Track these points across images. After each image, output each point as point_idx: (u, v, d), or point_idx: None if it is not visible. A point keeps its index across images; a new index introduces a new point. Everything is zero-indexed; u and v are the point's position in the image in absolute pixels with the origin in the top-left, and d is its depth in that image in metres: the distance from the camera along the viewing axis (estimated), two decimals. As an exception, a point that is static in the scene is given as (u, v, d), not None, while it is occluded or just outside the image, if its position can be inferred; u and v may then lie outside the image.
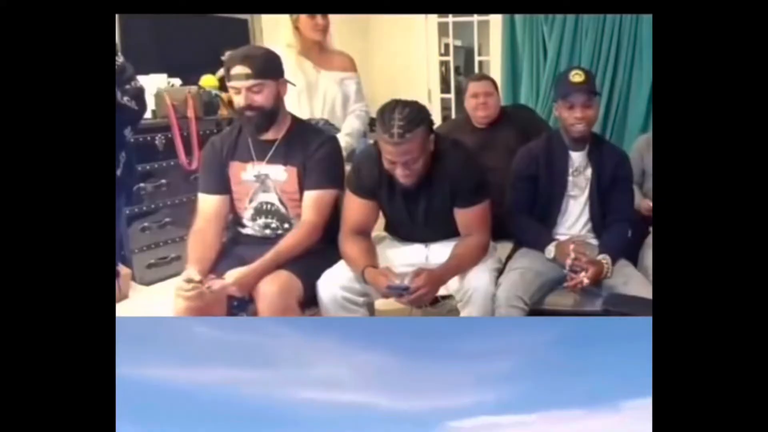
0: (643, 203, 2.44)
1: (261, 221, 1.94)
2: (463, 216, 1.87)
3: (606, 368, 1.09)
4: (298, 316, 1.74)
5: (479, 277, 1.80)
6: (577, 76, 1.95)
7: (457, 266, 1.82)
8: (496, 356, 1.12)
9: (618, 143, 4.23)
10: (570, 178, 2.00)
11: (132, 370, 1.04)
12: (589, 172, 2.01)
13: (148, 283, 3.13)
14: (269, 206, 1.92)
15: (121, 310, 2.72)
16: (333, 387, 1.08)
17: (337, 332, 1.21)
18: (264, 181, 1.90)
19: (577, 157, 2.01)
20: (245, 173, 1.91)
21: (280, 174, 1.89)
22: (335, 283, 1.80)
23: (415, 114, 1.72)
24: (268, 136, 1.89)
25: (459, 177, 1.83)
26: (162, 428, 1.06)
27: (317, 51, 2.53)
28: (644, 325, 1.02)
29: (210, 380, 1.10)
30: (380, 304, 2.14)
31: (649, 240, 2.35)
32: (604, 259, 1.86)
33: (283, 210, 1.92)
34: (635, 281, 1.83)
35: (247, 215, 1.95)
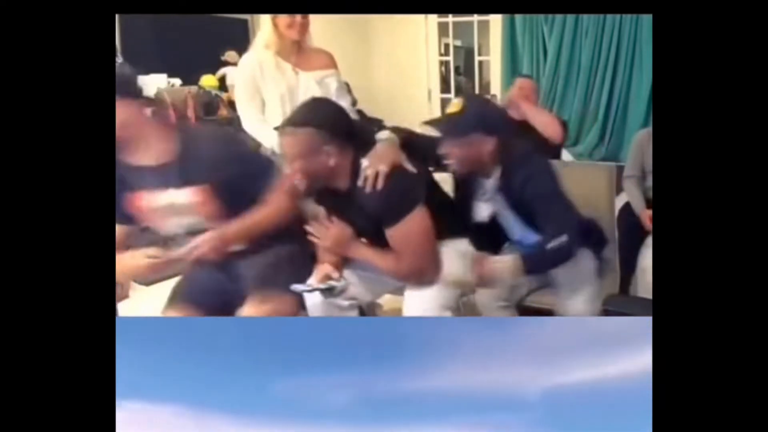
0: (644, 213, 2.44)
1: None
2: (391, 238, 1.60)
3: (606, 368, 1.09)
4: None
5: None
6: (453, 106, 1.67)
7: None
8: (494, 355, 1.12)
9: (618, 143, 4.25)
10: (478, 203, 1.78)
11: (132, 370, 1.04)
12: (499, 197, 1.75)
13: (148, 283, 3.13)
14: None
15: (121, 310, 2.72)
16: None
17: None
18: None
19: (488, 183, 1.74)
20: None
21: None
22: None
23: (307, 112, 1.59)
24: None
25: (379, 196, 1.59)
26: (162, 428, 1.07)
27: (296, 51, 2.43)
28: (644, 325, 1.02)
29: (212, 380, 1.10)
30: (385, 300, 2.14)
31: (649, 240, 2.35)
32: (502, 261, 1.68)
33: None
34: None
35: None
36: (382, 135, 1.70)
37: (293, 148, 1.56)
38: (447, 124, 1.66)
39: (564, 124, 2.95)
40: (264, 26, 2.43)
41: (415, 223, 1.59)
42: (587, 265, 1.79)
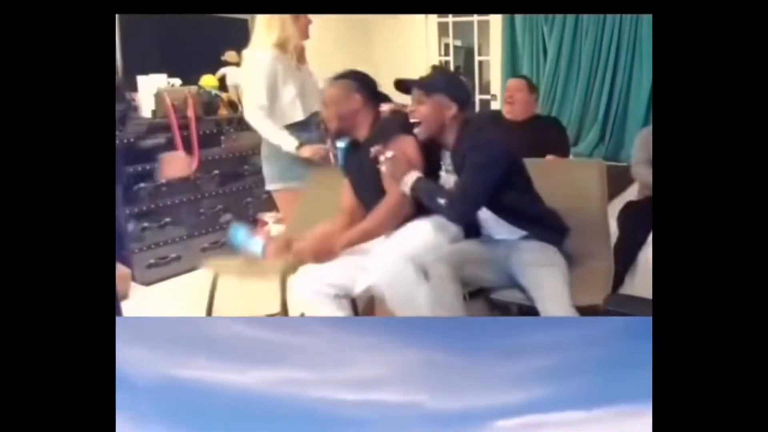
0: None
1: None
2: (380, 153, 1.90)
3: (606, 368, 1.09)
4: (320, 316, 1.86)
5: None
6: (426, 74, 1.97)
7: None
8: (499, 357, 1.12)
9: (618, 143, 4.25)
10: (442, 174, 1.95)
11: (132, 370, 1.04)
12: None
13: (148, 283, 3.13)
14: None
15: (121, 310, 2.72)
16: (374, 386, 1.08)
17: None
18: None
19: (447, 156, 1.93)
20: None
21: None
22: (312, 280, 1.91)
23: (347, 72, 2.06)
24: None
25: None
26: (162, 429, 1.07)
27: (297, 48, 2.55)
28: (644, 325, 1.02)
29: (211, 380, 1.10)
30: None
31: (649, 239, 2.35)
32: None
33: None
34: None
35: None
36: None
37: (332, 96, 2.02)
38: (416, 82, 1.91)
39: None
40: (273, 26, 2.44)
41: (403, 143, 1.89)
42: (549, 259, 1.81)
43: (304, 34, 2.51)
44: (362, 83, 2.04)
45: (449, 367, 1.10)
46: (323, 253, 1.90)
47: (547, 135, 2.83)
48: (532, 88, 3.03)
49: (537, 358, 1.11)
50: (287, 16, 2.43)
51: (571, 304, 1.66)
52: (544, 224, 1.90)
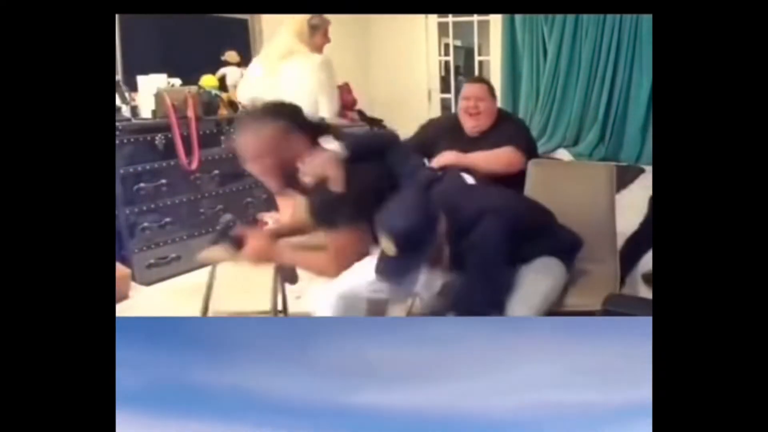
0: None
1: None
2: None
3: (606, 368, 1.09)
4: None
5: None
6: (386, 250, 1.59)
7: None
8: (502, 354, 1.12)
9: (618, 143, 4.26)
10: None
11: (132, 370, 1.04)
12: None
13: (148, 283, 3.13)
14: None
15: (121, 310, 2.72)
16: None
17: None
18: None
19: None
20: None
21: None
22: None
23: (269, 109, 1.72)
24: None
25: None
26: (162, 429, 1.07)
27: None
28: (644, 325, 1.02)
29: (210, 380, 1.10)
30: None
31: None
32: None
33: None
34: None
35: None
36: (328, 144, 1.71)
37: (265, 141, 1.61)
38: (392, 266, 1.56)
39: (523, 147, 2.42)
40: (295, 36, 2.51)
41: (340, 238, 1.62)
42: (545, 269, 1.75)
43: (319, 50, 2.60)
44: (292, 117, 1.68)
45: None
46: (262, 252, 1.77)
47: (509, 135, 2.46)
48: (492, 90, 2.59)
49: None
50: (306, 31, 2.50)
51: (538, 311, 1.61)
52: (556, 247, 1.80)
